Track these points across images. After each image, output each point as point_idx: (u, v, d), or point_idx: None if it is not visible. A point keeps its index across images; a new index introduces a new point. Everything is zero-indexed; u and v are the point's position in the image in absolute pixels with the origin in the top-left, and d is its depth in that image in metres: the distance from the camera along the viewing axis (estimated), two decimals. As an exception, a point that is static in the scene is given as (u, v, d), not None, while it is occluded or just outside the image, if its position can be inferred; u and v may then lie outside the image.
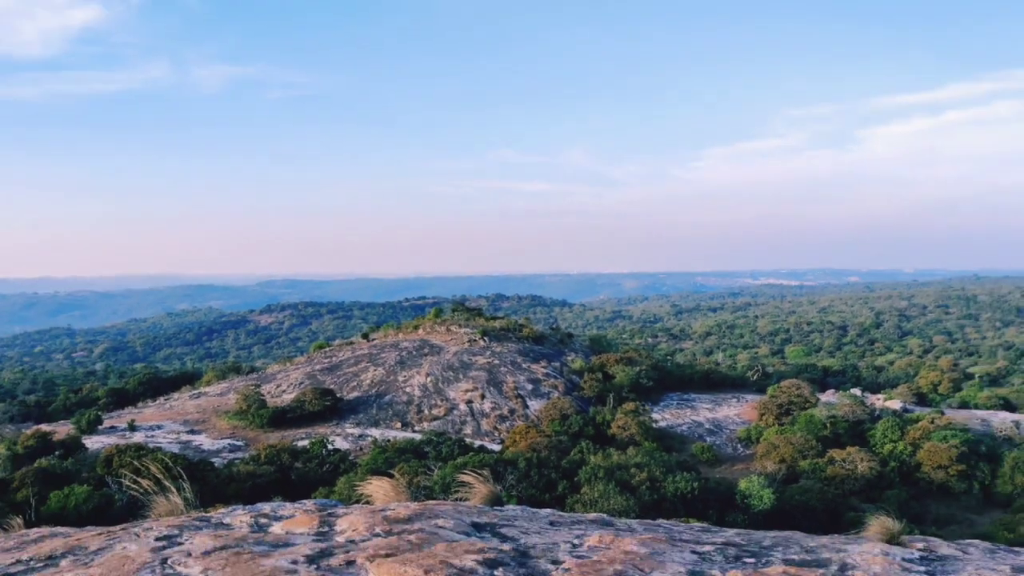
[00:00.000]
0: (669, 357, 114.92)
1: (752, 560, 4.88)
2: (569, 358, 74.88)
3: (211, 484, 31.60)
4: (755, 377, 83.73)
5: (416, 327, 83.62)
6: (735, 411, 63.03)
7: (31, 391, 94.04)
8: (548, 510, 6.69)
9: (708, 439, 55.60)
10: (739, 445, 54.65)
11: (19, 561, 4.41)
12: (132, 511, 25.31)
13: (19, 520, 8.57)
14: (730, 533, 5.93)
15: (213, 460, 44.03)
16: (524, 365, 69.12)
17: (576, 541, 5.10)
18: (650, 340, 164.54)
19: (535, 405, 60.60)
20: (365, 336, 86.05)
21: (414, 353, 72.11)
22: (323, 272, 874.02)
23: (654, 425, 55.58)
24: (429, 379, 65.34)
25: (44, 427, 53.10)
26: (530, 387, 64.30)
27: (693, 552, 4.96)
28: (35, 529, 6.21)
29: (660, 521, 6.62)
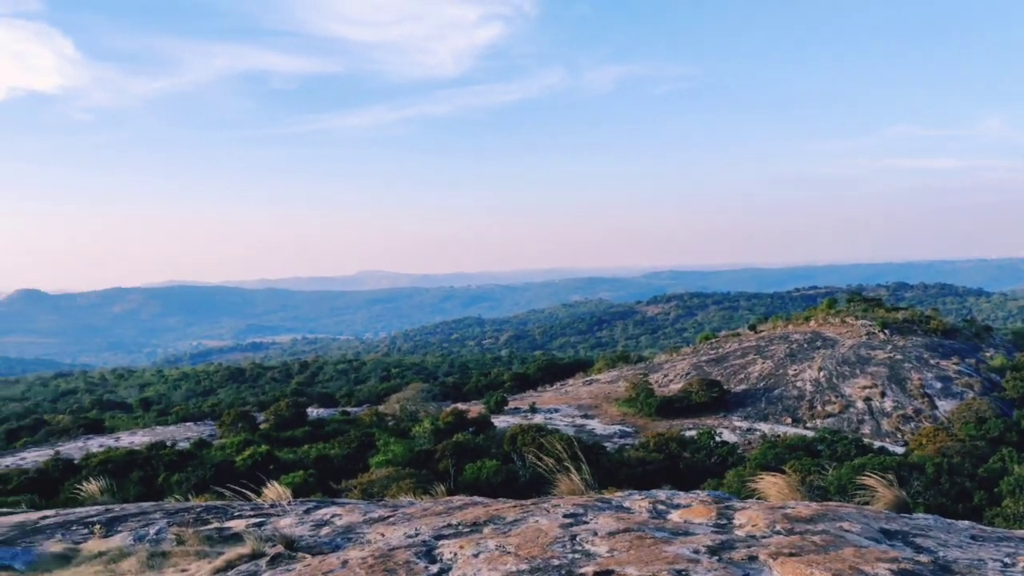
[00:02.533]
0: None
1: None
2: (987, 354, 66.54)
3: (604, 467, 32.99)
4: None
5: (807, 318, 79.94)
6: None
7: (449, 373, 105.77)
8: (967, 522, 5.96)
9: None
10: None
11: (449, 525, 4.96)
12: (534, 486, 27.34)
13: (442, 487, 9.59)
14: None
15: (605, 444, 46.02)
16: (931, 361, 62.80)
17: (1007, 560, 4.45)
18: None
19: (945, 406, 54.76)
20: (752, 327, 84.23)
21: (805, 346, 69.03)
22: (708, 263, 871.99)
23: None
24: (822, 373, 62.12)
25: (460, 406, 59.33)
26: (939, 385, 58.26)
27: None
28: (457, 496, 6.92)
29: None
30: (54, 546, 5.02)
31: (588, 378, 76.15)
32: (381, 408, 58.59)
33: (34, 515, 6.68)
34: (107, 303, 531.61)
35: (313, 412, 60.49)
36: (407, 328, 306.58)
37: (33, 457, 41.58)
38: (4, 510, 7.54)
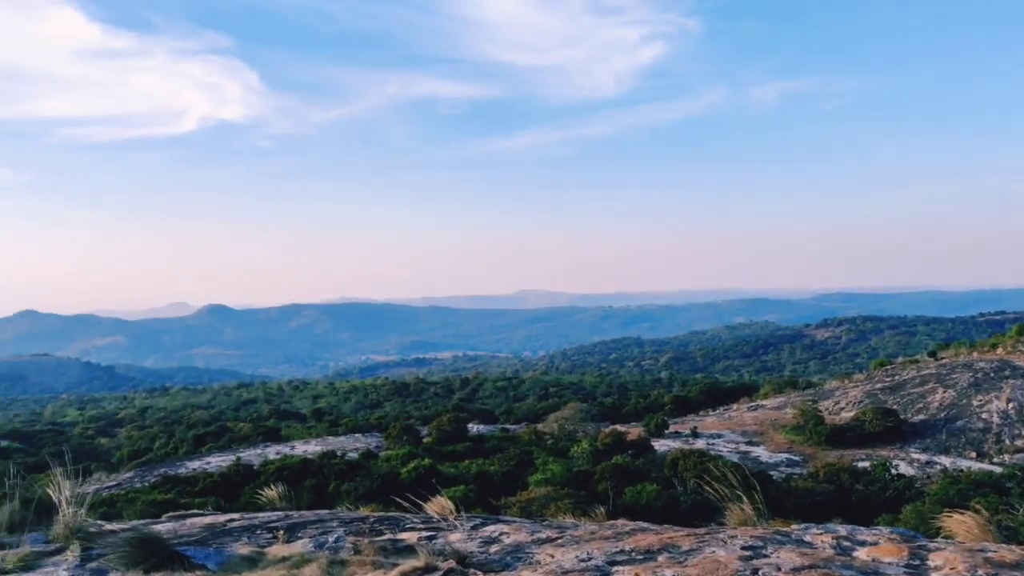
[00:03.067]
0: None
1: None
2: None
3: (771, 496, 31.70)
4: None
5: (994, 345, 74.13)
6: None
7: (607, 393, 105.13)
8: None
9: None
10: None
11: (622, 551, 4.83)
12: (697, 512, 26.62)
13: (601, 510, 9.44)
14: None
15: (771, 473, 44.33)
16: None
17: None
18: None
19: None
20: (932, 354, 78.96)
21: (991, 375, 63.98)
22: (882, 285, 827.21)
23: None
24: (1011, 405, 57.35)
25: (619, 427, 58.81)
26: None
27: None
28: (621, 520, 6.77)
29: None
30: (242, 548, 5.27)
31: (753, 403, 73.74)
32: (539, 426, 58.92)
33: (221, 517, 7.07)
34: (285, 318, 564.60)
35: (473, 428, 61.62)
36: (565, 347, 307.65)
37: (217, 461, 44.47)
38: (195, 511, 8.03)
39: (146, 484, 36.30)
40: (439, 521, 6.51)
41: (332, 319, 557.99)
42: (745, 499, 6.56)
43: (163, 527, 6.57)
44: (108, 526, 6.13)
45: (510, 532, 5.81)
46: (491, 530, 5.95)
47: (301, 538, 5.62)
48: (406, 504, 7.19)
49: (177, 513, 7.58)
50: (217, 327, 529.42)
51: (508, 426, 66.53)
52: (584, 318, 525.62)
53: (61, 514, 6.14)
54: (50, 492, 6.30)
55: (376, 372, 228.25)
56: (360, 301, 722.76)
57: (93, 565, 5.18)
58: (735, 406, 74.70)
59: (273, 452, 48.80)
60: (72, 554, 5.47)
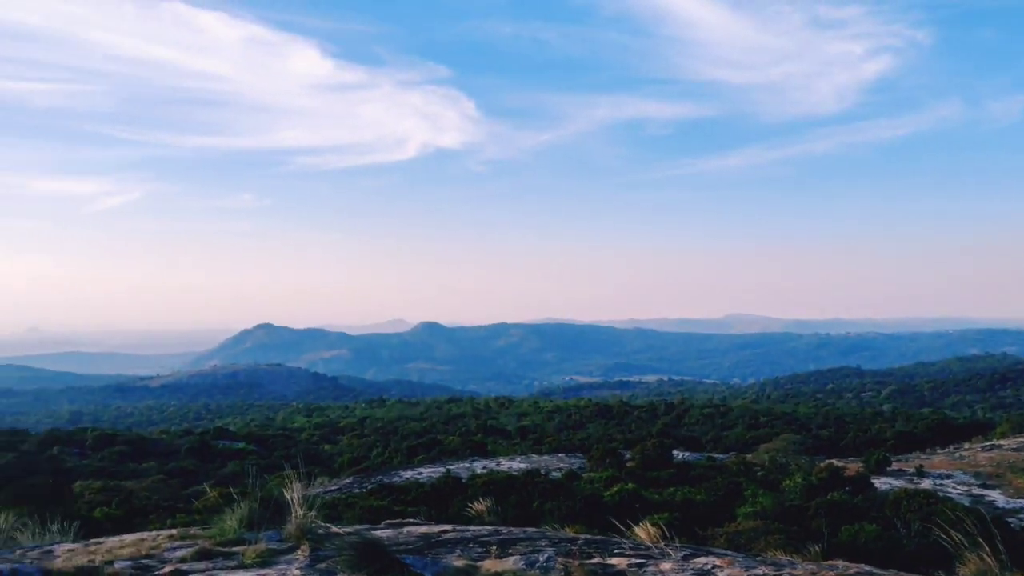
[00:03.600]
0: None
1: None
2: None
3: (1009, 545, 28.84)
4: None
5: None
6: None
7: (823, 426, 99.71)
8: None
9: None
10: None
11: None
12: (921, 557, 24.60)
13: (816, 548, 8.92)
14: None
15: (1008, 520, 40.25)
16: None
17: None
18: None
19: None
20: None
21: None
22: None
23: None
24: None
25: (835, 462, 55.52)
26: None
27: None
28: (842, 562, 6.38)
29: None
30: (456, 561, 5.44)
31: (988, 443, 67.30)
32: (748, 457, 56.86)
33: (435, 528, 7.34)
34: (493, 337, 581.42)
35: (678, 454, 60.40)
36: (777, 375, 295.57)
37: (428, 472, 46.29)
38: (411, 520, 8.39)
39: (363, 490, 38.37)
40: (648, 548, 6.41)
41: (537, 339, 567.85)
42: (987, 548, 6.00)
43: (383, 533, 6.91)
44: (334, 529, 6.53)
45: (723, 566, 5.62)
46: (702, 562, 5.78)
47: (512, 555, 5.71)
48: (613, 527, 7.15)
49: (394, 521, 7.96)
50: (430, 343, 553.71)
51: (715, 455, 64.64)
52: (798, 345, 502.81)
53: (293, 515, 6.61)
54: (285, 493, 6.81)
55: (579, 393, 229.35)
56: (565, 322, 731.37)
57: (322, 566, 5.52)
58: (967, 445, 68.49)
59: (480, 466, 50.18)
60: (303, 554, 5.87)
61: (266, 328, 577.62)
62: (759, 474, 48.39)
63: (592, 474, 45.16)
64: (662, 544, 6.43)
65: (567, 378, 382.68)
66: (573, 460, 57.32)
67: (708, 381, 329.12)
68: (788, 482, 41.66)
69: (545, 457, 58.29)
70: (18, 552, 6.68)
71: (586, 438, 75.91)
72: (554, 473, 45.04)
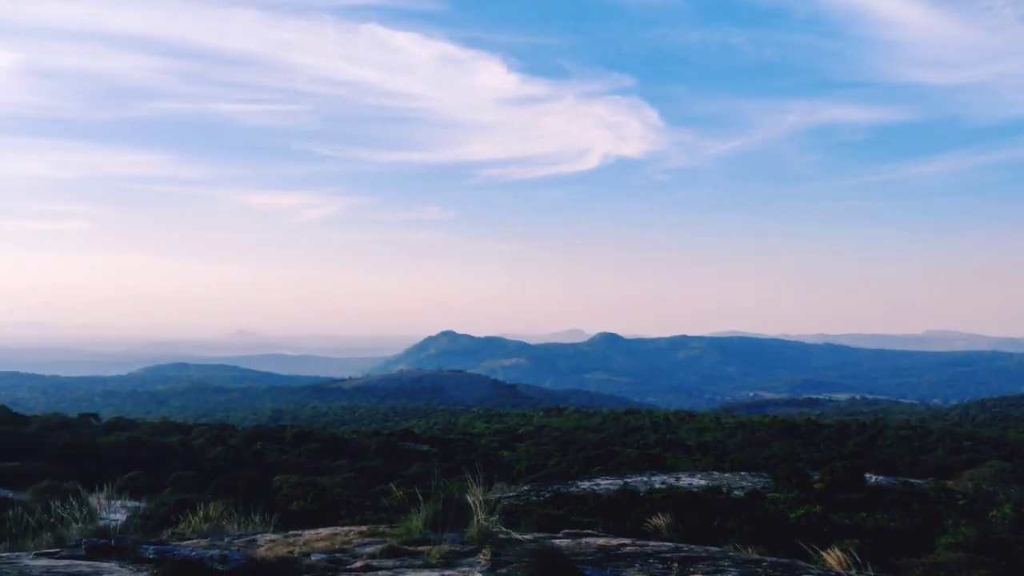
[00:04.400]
0: None
1: None
2: None
3: None
4: None
5: None
6: None
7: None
8: None
9: None
10: None
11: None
12: None
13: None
14: None
15: None
16: None
17: None
18: None
19: None
20: None
21: None
22: None
23: None
24: None
25: (1052, 494, 50.67)
26: None
27: None
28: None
29: None
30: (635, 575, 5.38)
31: None
32: (949, 483, 52.84)
33: (613, 540, 7.29)
34: (673, 349, 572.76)
35: (870, 478, 57.04)
36: (983, 396, 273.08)
37: (605, 484, 46.13)
38: (589, 531, 8.38)
39: (540, 498, 38.77)
40: (837, 575, 6.09)
41: (719, 352, 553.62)
42: None
43: (561, 543, 6.94)
44: (514, 535, 6.64)
45: (922, 600, 5.24)
46: (899, 595, 5.42)
47: (693, 573, 5.58)
48: (798, 550, 6.85)
49: (572, 531, 7.98)
50: (608, 354, 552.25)
51: (911, 480, 60.50)
52: (1009, 364, 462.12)
53: (475, 518, 6.78)
54: (467, 496, 7.00)
55: (764, 410, 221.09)
56: (749, 335, 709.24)
57: (503, 571, 5.62)
58: None
59: (659, 481, 49.45)
60: (484, 557, 6.00)
61: (449, 335, 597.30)
62: (961, 503, 44.86)
63: (776, 494, 43.45)
64: (852, 572, 6.09)
65: (751, 393, 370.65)
66: (756, 479, 55.35)
67: (905, 401, 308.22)
68: (995, 513, 38.35)
69: (727, 474, 56.64)
70: (226, 540, 7.31)
71: (770, 456, 73.20)
72: (736, 491, 43.69)
